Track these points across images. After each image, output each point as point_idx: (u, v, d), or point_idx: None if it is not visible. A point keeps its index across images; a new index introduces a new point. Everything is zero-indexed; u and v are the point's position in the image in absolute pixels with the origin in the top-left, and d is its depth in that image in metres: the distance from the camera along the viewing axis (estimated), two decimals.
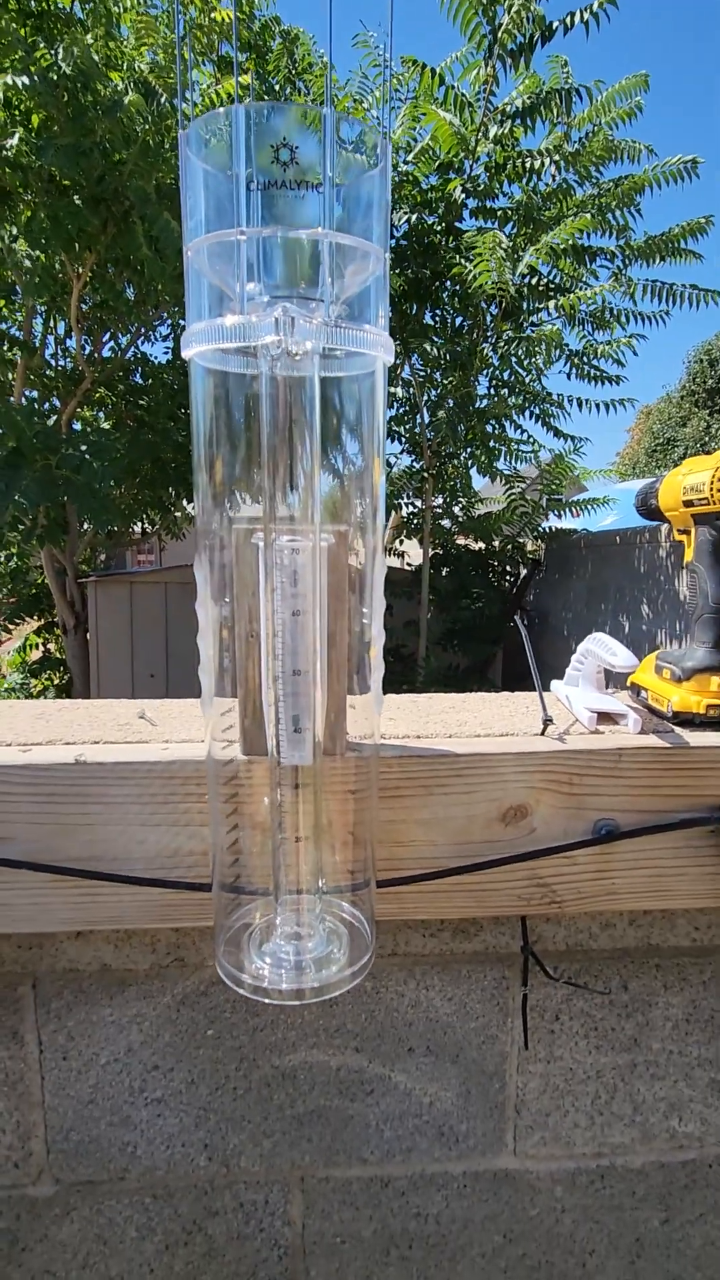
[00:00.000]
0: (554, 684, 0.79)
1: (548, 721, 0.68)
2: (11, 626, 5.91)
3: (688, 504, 0.71)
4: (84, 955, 0.68)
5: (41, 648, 6.20)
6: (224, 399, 0.48)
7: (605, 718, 0.71)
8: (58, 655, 5.99)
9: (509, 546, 5.85)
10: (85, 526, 5.31)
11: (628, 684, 0.79)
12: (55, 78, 3.73)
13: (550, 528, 5.58)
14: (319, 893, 0.56)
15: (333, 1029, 0.72)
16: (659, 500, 0.77)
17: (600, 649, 0.71)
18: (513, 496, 5.36)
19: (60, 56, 3.69)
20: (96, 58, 3.91)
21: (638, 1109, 0.75)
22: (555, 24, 4.03)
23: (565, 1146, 0.75)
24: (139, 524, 5.99)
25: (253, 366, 0.47)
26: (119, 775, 0.61)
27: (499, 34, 4.08)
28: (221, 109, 0.42)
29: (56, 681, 5.86)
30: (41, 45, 3.79)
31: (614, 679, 0.79)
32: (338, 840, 0.58)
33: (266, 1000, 0.54)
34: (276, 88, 5.17)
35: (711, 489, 0.67)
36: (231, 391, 0.48)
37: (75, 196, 4.04)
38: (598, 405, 4.81)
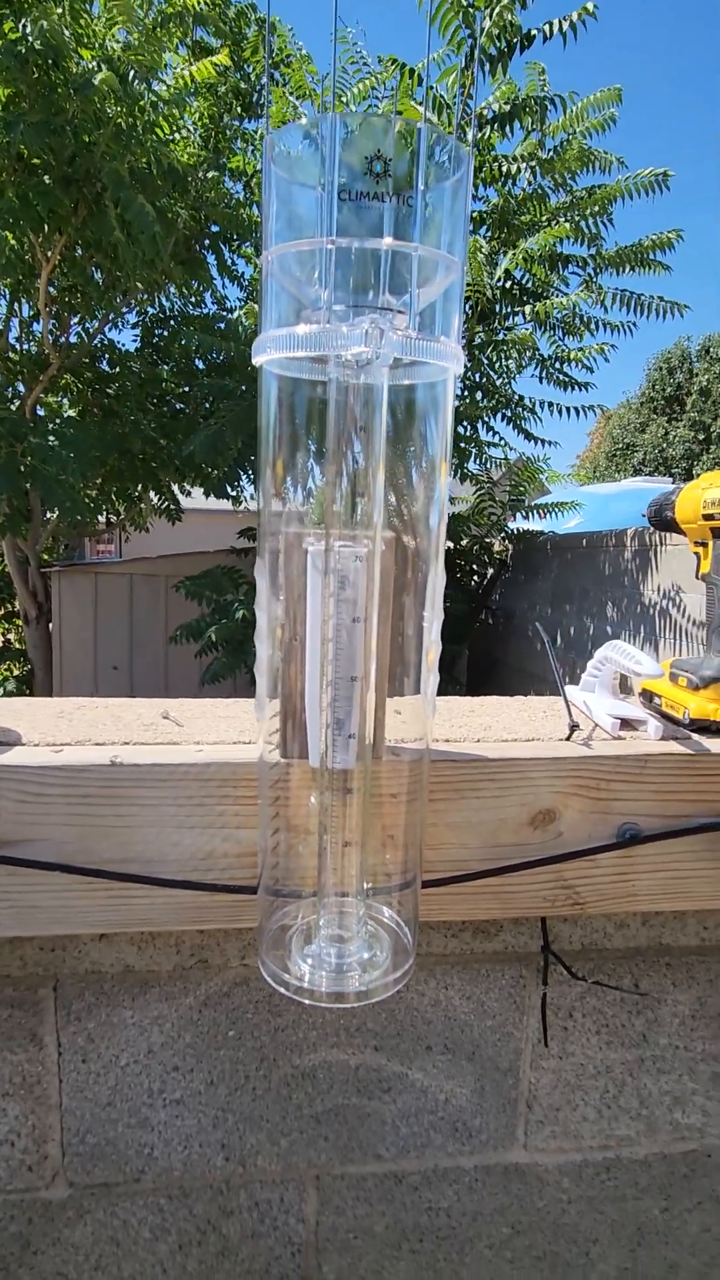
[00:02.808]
0: (569, 689, 0.81)
1: (574, 727, 0.70)
2: None
3: (708, 517, 0.73)
4: (107, 957, 0.68)
5: (1, 638, 6.04)
6: (290, 405, 0.48)
7: (625, 724, 0.73)
8: (18, 646, 5.85)
9: (476, 547, 5.91)
10: (49, 515, 5.19)
11: (640, 691, 0.81)
12: (23, 51, 3.62)
13: (517, 529, 5.66)
14: (363, 896, 0.56)
15: (353, 1028, 0.72)
16: (675, 512, 0.79)
17: (622, 656, 0.73)
18: (482, 497, 5.42)
19: (29, 30, 3.59)
20: (67, 34, 3.81)
21: (644, 1102, 0.77)
22: (535, 31, 4.07)
23: (574, 1140, 0.77)
24: (103, 515, 5.88)
25: (319, 373, 0.47)
26: (155, 777, 0.60)
27: (479, 38, 4.11)
28: (304, 120, 0.42)
29: (16, 672, 5.72)
30: (9, 18, 3.68)
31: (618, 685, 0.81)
32: (381, 843, 0.59)
33: (308, 1002, 0.55)
34: (253, 76, 5.12)
35: None
36: (299, 398, 0.48)
37: (46, 176, 3.94)
38: (567, 410, 4.89)
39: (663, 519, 0.82)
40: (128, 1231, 0.73)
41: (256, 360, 0.46)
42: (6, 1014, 0.67)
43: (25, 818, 0.59)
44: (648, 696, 0.79)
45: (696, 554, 0.78)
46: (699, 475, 0.80)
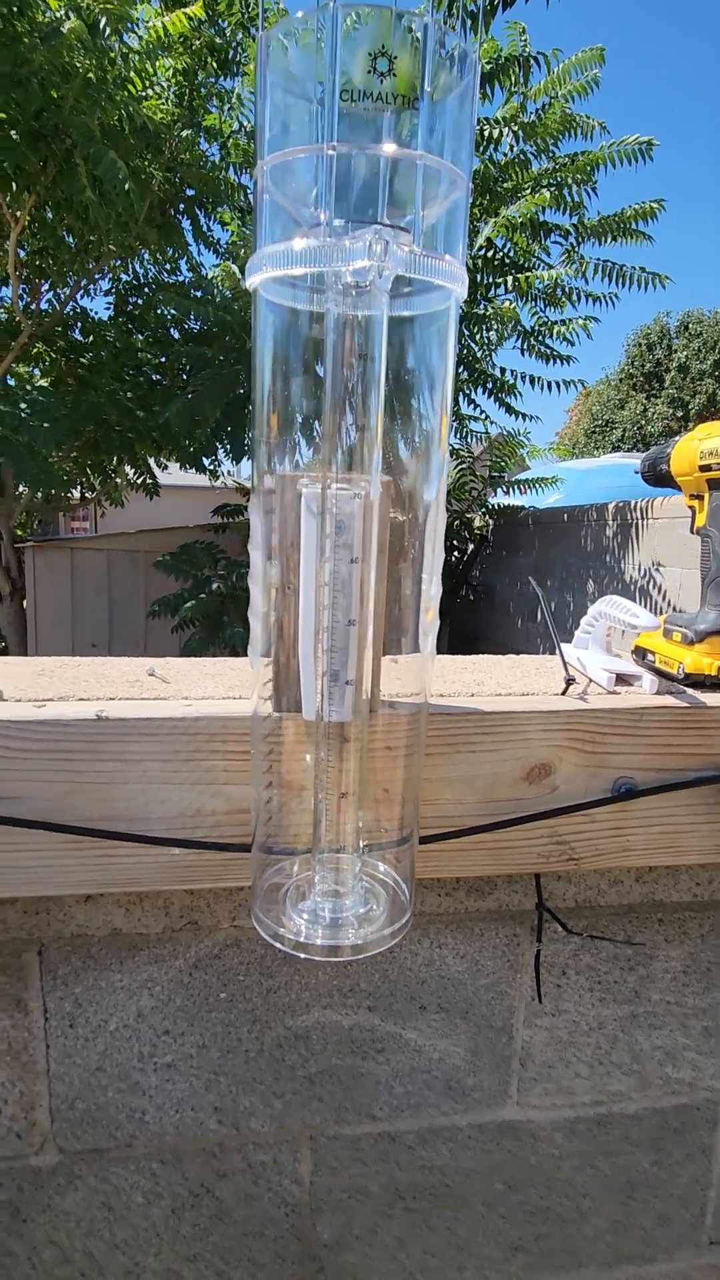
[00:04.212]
0: (563, 647, 0.79)
1: (569, 681, 0.68)
2: None
3: (705, 468, 0.72)
4: (94, 920, 0.66)
5: None
6: (284, 335, 0.46)
7: (620, 679, 0.72)
8: None
9: (456, 522, 5.89)
10: (21, 489, 5.08)
11: (633, 648, 0.80)
12: None
13: (497, 504, 5.64)
14: (359, 851, 0.55)
15: (346, 989, 0.71)
16: (670, 465, 0.77)
17: (618, 611, 0.71)
18: (463, 472, 5.39)
19: None
20: None
21: (636, 1058, 0.78)
22: None
23: (567, 1096, 0.77)
24: (78, 489, 5.76)
25: (318, 302, 0.44)
26: (141, 732, 0.58)
27: None
28: (300, 14, 0.39)
29: None
30: None
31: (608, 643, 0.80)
32: (377, 798, 0.57)
33: (303, 956, 0.53)
34: (228, 31, 4.95)
35: None
36: (295, 327, 0.45)
37: (13, 132, 3.79)
38: (547, 384, 4.86)
39: (657, 473, 0.80)
40: (120, 1197, 0.71)
41: (249, 282, 0.43)
42: None
43: (6, 774, 0.57)
44: (640, 653, 0.78)
45: (692, 508, 0.76)
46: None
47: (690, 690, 0.70)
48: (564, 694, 0.68)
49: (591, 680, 0.72)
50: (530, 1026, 0.75)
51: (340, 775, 0.53)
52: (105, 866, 0.60)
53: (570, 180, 4.48)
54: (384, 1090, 0.73)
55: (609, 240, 4.76)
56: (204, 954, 0.68)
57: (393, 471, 0.49)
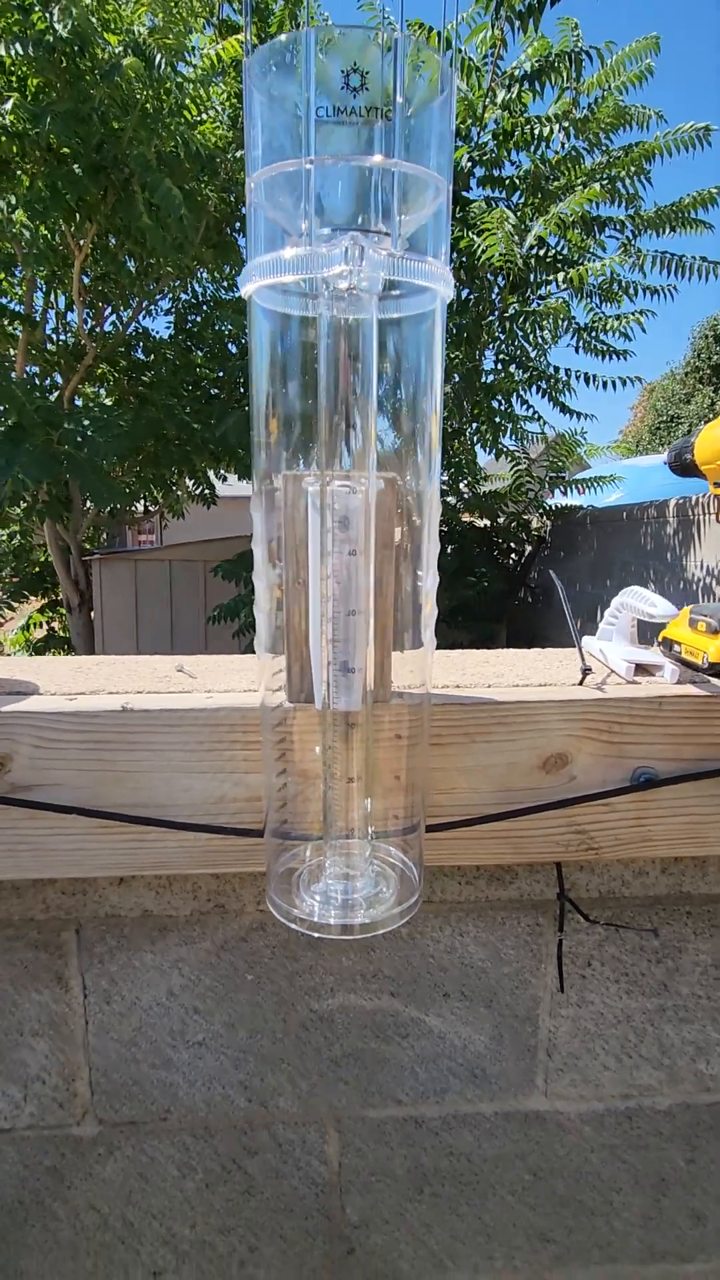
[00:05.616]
0: (586, 639, 0.79)
1: (586, 671, 0.69)
2: (15, 605, 5.90)
3: None
4: (126, 901, 0.70)
5: (46, 626, 6.20)
6: (279, 340, 0.48)
7: (641, 669, 0.72)
8: (62, 634, 5.99)
9: (513, 524, 5.83)
10: (88, 504, 5.29)
11: (659, 639, 0.79)
12: (51, 40, 3.65)
13: (555, 505, 5.57)
14: (368, 836, 0.57)
15: (369, 974, 0.73)
16: (694, 454, 0.76)
17: (637, 601, 0.71)
18: (519, 473, 5.34)
19: (56, 19, 3.61)
20: (94, 20, 3.83)
21: (665, 1052, 0.77)
22: None
23: (594, 1088, 0.77)
24: (141, 502, 5.97)
25: (311, 308, 0.47)
26: (165, 722, 0.61)
27: None
28: (285, 35, 0.41)
29: None
30: (37, 8, 3.71)
31: (642, 635, 0.80)
32: (385, 786, 0.59)
33: (316, 935, 0.56)
34: None
35: None
36: (288, 333, 0.48)
37: (75, 165, 3.98)
38: (605, 382, 4.77)
39: (682, 463, 0.80)
40: (155, 1168, 0.75)
41: (244, 291, 0.46)
42: (32, 955, 0.70)
43: (41, 763, 0.61)
44: (667, 644, 0.78)
45: (718, 496, 0.75)
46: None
47: (715, 680, 0.69)
48: (581, 684, 0.68)
49: (612, 670, 0.72)
50: (555, 1017, 0.75)
51: (347, 762, 0.55)
52: (135, 851, 0.64)
53: (625, 173, 4.40)
54: (408, 1075, 0.75)
55: (667, 231, 4.65)
56: (231, 936, 0.71)
57: (387, 467, 0.51)
